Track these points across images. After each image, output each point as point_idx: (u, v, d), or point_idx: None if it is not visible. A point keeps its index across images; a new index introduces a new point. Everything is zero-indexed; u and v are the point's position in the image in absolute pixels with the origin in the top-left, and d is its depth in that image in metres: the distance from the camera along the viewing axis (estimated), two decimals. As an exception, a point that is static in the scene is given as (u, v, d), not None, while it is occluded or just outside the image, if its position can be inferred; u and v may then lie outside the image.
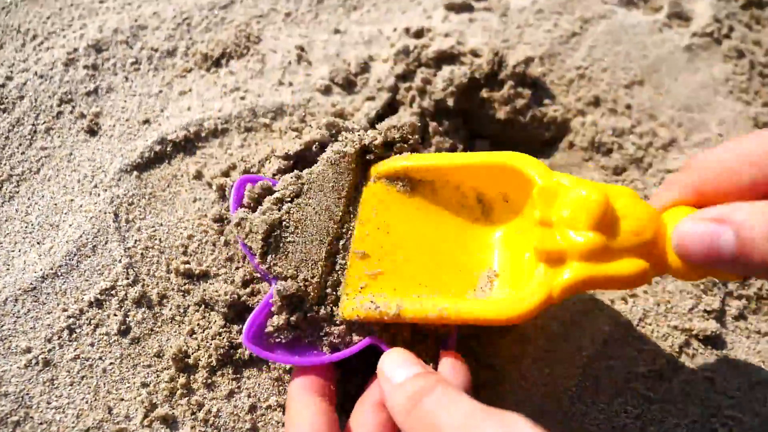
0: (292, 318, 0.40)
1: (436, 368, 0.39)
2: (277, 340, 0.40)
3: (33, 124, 0.50)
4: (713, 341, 0.49)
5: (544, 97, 0.58)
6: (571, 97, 0.58)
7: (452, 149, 0.54)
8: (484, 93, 0.56)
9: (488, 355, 0.47)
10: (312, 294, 0.40)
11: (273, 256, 0.40)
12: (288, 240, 0.41)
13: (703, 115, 0.59)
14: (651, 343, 0.48)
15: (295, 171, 0.43)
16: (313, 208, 0.42)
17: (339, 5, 0.61)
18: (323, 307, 0.41)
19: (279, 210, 0.41)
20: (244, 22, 0.58)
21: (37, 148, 0.50)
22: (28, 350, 0.43)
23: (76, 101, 0.52)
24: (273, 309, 0.40)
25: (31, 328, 0.43)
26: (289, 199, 0.42)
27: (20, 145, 0.49)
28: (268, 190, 0.43)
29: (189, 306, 0.45)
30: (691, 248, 0.26)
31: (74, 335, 0.43)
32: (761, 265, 0.22)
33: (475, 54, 0.57)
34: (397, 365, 0.36)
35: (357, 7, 0.61)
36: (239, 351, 0.44)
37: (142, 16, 0.57)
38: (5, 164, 0.49)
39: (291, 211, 0.41)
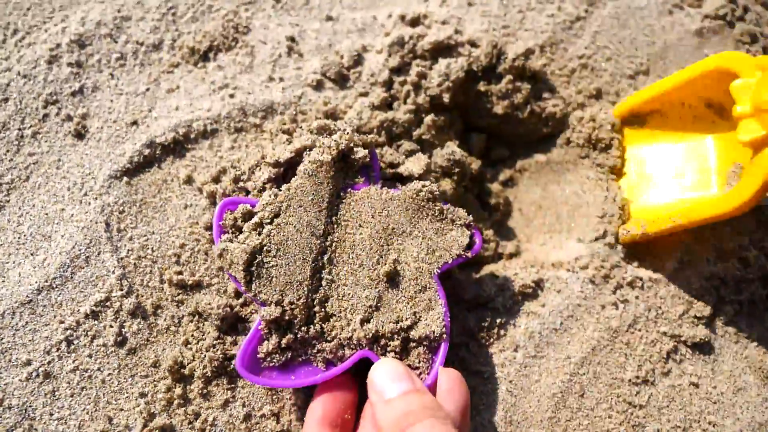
0: (282, 341, 0.41)
1: (430, 376, 0.40)
2: (271, 363, 0.41)
3: (19, 129, 0.49)
4: (701, 347, 0.50)
5: (543, 90, 0.56)
6: (572, 89, 0.56)
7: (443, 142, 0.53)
8: (482, 86, 0.54)
9: (477, 362, 0.48)
10: (299, 316, 0.41)
11: (257, 282, 0.40)
12: (271, 264, 0.41)
13: (708, 107, 0.56)
14: (639, 349, 0.49)
15: (274, 189, 0.43)
16: (294, 227, 0.41)
17: (331, -12, 0.58)
18: (312, 326, 0.41)
19: (259, 234, 0.41)
20: (231, 10, 0.55)
21: (25, 154, 0.49)
22: (29, 363, 0.44)
23: (62, 102, 0.51)
24: (262, 335, 0.41)
25: (29, 340, 0.44)
26: (268, 220, 0.41)
27: (8, 151, 0.49)
28: (248, 214, 0.42)
29: (183, 316, 0.46)
30: None
31: (72, 347, 0.44)
32: None
33: (473, 44, 0.55)
34: (388, 378, 0.37)
35: (350, -10, 0.58)
36: (233, 361, 0.45)
37: (126, 6, 0.54)
38: (-6, 172, 0.48)
39: (272, 234, 0.41)
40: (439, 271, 0.43)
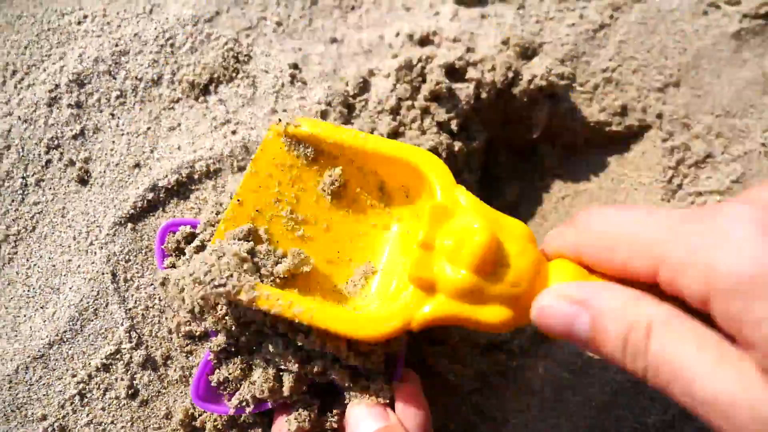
0: (234, 371, 0.39)
1: (388, 379, 0.38)
2: (227, 391, 0.40)
3: (23, 177, 0.49)
4: (732, 387, 0.47)
5: (563, 110, 0.52)
6: (595, 107, 0.53)
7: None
8: (495, 106, 0.51)
9: (492, 407, 0.46)
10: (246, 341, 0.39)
11: (203, 311, 0.38)
12: None
13: (746, 121, 0.52)
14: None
15: (216, 207, 0.42)
16: None
17: (335, 6, 0.55)
18: None
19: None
20: (231, 38, 0.53)
21: (29, 203, 0.49)
22: (44, 418, 0.44)
23: (64, 146, 0.50)
24: (213, 364, 0.40)
25: (44, 395, 0.45)
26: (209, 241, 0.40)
27: (13, 201, 0.48)
28: (190, 236, 0.41)
29: (193, 367, 0.46)
30: (549, 323, 0.25)
31: (85, 400, 0.45)
32: (609, 357, 0.23)
33: (485, 64, 0.51)
34: (361, 419, 0.36)
35: (355, 6, 0.55)
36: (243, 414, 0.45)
37: (123, 39, 0.52)
38: (0, 224, 0.48)
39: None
40: None
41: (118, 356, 0.45)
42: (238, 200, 0.37)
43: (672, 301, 0.22)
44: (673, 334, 0.21)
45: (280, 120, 0.38)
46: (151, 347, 0.46)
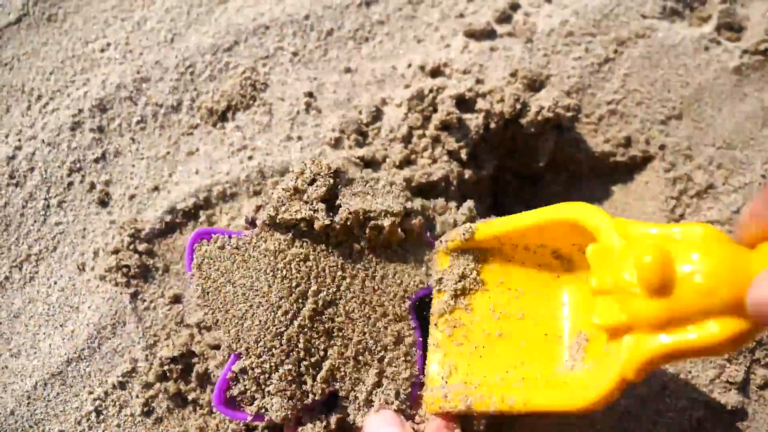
0: (251, 389, 0.40)
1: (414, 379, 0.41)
2: (244, 402, 0.41)
3: (45, 198, 0.51)
4: (734, 413, 0.48)
5: (569, 140, 0.54)
6: (600, 137, 0.54)
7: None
8: (503, 135, 0.53)
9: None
10: (270, 368, 0.40)
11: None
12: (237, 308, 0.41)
13: (747, 153, 0.54)
14: (668, 416, 0.48)
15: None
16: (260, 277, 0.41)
17: (349, 37, 0.57)
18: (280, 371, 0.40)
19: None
20: (249, 66, 0.55)
21: (51, 224, 0.50)
22: (61, 434, 0.45)
23: (85, 169, 0.51)
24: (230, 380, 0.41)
25: (61, 411, 0.46)
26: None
27: (35, 221, 0.50)
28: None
29: (207, 385, 0.47)
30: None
31: (101, 417, 0.46)
32: None
33: (494, 95, 0.53)
34: (381, 426, 0.37)
35: (369, 38, 0.57)
36: (256, 433, 0.46)
37: (144, 67, 0.54)
38: (23, 243, 0.50)
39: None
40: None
41: (133, 374, 0.46)
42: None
43: None
44: None
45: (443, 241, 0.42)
46: (166, 365, 0.47)
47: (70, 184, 0.51)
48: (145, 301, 0.48)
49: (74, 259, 0.49)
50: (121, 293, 0.48)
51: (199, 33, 0.56)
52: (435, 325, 0.41)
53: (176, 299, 0.48)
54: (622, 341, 0.28)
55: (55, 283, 0.49)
